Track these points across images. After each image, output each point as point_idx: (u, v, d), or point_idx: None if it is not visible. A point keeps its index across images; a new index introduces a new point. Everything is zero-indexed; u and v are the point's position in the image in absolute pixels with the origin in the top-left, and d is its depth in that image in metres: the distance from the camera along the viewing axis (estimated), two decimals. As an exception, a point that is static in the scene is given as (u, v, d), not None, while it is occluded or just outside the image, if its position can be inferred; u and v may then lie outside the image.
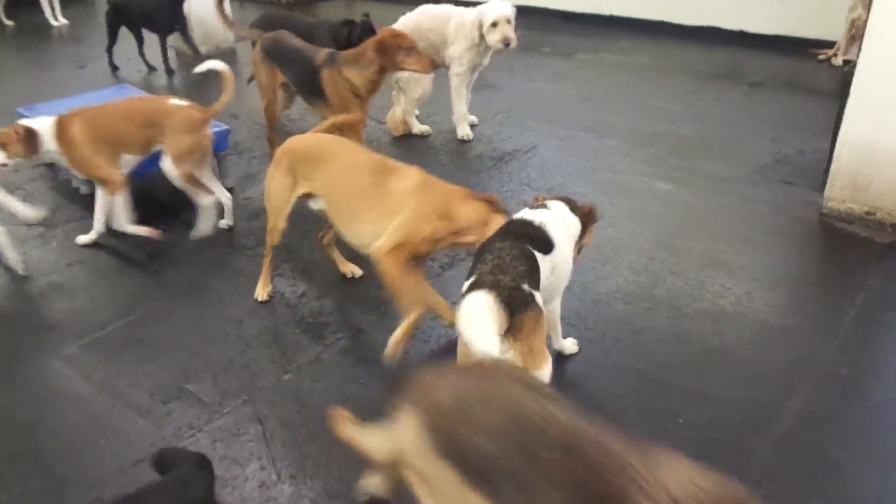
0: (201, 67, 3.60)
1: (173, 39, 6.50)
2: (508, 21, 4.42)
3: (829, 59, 6.50)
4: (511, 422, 1.46)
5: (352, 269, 3.30)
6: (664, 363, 2.76)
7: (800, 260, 3.62)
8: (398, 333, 2.65)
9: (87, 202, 4.09)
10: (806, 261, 3.63)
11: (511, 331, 1.98)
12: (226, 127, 4.18)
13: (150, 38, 6.40)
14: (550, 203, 2.47)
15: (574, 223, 2.47)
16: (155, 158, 3.55)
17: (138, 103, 3.63)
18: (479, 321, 1.91)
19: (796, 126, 5.00)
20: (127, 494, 1.74)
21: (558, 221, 2.38)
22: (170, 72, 6.42)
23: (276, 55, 4.08)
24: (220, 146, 4.13)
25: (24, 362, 2.87)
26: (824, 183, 3.94)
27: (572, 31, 7.66)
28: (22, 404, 2.64)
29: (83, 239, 3.66)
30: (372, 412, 2.47)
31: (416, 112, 5.00)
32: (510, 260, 2.13)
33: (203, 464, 1.96)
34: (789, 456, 2.33)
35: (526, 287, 2.07)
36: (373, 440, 1.78)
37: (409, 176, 2.63)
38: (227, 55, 6.91)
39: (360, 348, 2.88)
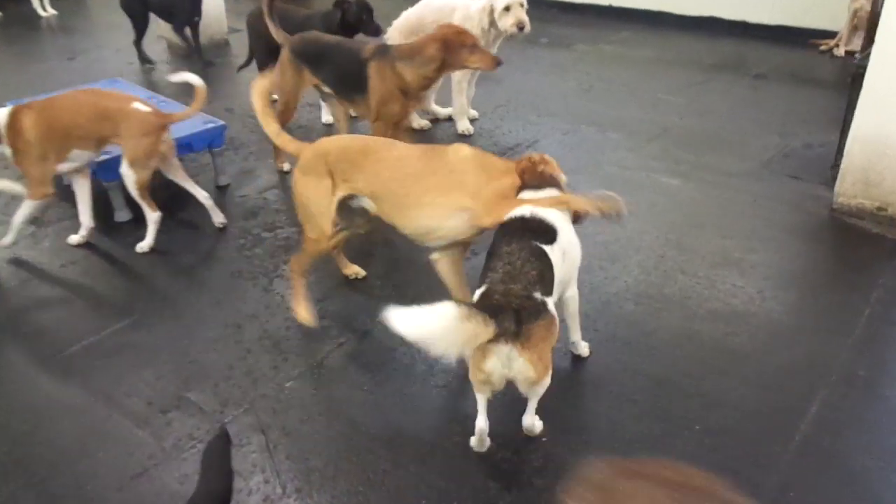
0: (176, 77, 3.50)
1: (163, 31, 6.35)
2: (521, 4, 4.31)
3: (830, 50, 6.43)
4: None
5: (355, 271, 3.21)
6: (677, 366, 2.69)
7: (811, 257, 3.55)
8: None
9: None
10: (818, 258, 3.56)
11: (520, 339, 1.99)
12: (221, 122, 4.07)
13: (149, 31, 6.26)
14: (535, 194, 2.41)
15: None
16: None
17: (96, 98, 3.45)
18: (434, 323, 1.87)
19: (802, 119, 4.93)
20: None
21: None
22: (208, 64, 6.12)
23: (307, 55, 3.82)
24: (216, 142, 4.03)
25: (15, 370, 2.78)
26: (833, 178, 3.87)
27: (570, 21, 7.55)
28: (14, 415, 2.54)
29: (75, 239, 3.55)
30: (378, 420, 2.44)
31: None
32: (521, 265, 2.11)
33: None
34: (810, 464, 2.26)
35: (538, 295, 2.06)
36: None
37: (458, 149, 2.59)
38: (221, 46, 6.79)
39: (365, 353, 2.80)
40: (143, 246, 3.47)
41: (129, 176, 3.34)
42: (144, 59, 6.30)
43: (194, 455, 2.32)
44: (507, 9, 4.28)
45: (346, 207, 2.70)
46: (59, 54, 6.84)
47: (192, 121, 4.02)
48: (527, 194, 2.41)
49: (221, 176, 4.13)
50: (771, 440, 2.34)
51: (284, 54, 3.87)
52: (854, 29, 6.23)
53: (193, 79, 3.43)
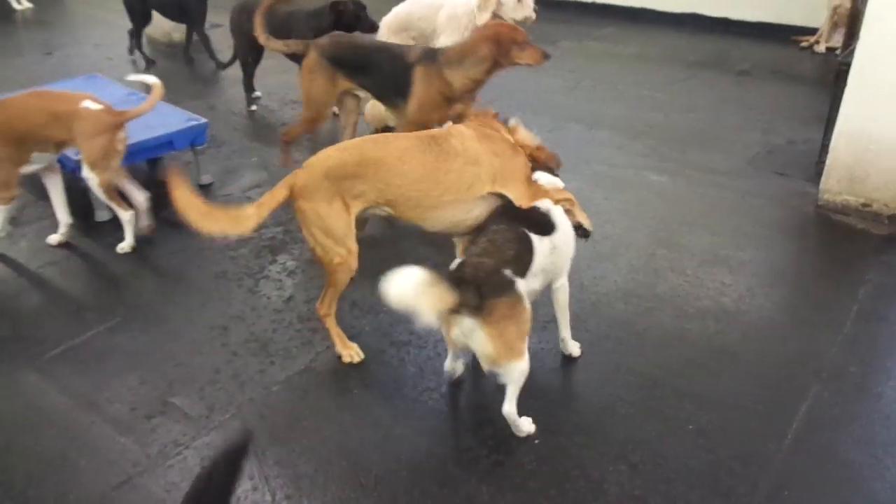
0: (133, 77, 3.38)
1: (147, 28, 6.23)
2: None
3: (811, 47, 6.49)
4: None
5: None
6: (669, 365, 2.68)
7: (799, 254, 3.57)
8: None
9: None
10: (805, 255, 3.58)
11: (482, 312, 2.08)
12: (204, 120, 3.98)
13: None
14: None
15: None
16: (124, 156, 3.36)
17: (45, 101, 3.29)
18: (402, 285, 1.94)
19: (785, 115, 4.96)
20: None
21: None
22: (221, 66, 5.85)
23: (343, 59, 3.58)
24: (198, 140, 3.95)
25: (-7, 375, 2.70)
26: (817, 174, 3.89)
27: (553, 17, 7.48)
28: (-8, 422, 2.47)
29: (54, 238, 3.47)
30: (368, 425, 2.39)
31: None
32: (501, 243, 2.24)
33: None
34: (805, 461, 2.26)
35: (507, 273, 2.15)
36: None
37: (461, 133, 2.53)
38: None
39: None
40: (124, 246, 3.40)
41: (92, 178, 3.24)
42: (145, 58, 6.16)
43: (180, 462, 2.27)
44: (519, 1, 4.28)
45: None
46: (36, 49, 6.69)
47: (174, 118, 3.96)
48: (544, 178, 2.54)
49: (204, 175, 4.05)
50: (765, 438, 2.33)
51: (312, 58, 3.59)
52: (834, 26, 6.29)
53: (150, 79, 3.32)
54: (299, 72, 3.75)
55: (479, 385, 2.57)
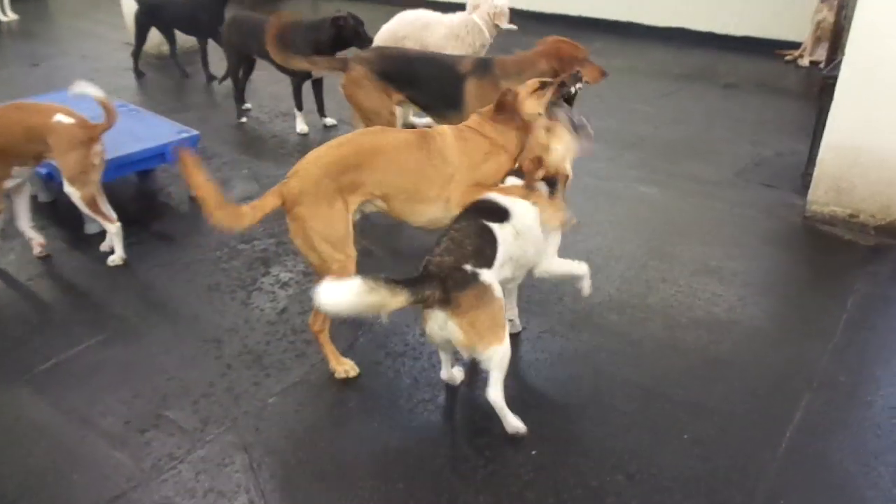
0: (75, 89, 3.24)
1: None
2: None
3: (795, 61, 6.59)
4: None
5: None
6: (664, 375, 2.69)
7: (788, 264, 3.60)
8: None
9: (47, 210, 3.88)
10: (794, 265, 3.61)
11: (450, 305, 2.17)
12: (195, 132, 3.98)
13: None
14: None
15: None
16: (114, 168, 3.35)
17: (20, 115, 3.23)
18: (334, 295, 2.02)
19: (772, 128, 5.03)
20: None
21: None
22: (210, 78, 5.96)
23: (393, 71, 3.53)
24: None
25: (-17, 390, 2.66)
26: (804, 185, 3.94)
27: (541, 32, 7.49)
28: (-18, 437, 2.44)
29: (38, 251, 3.44)
30: (363, 436, 2.38)
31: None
32: (461, 239, 2.31)
33: None
34: (798, 470, 2.27)
35: (468, 267, 2.23)
36: None
37: (443, 134, 2.60)
38: (193, 54, 6.63)
39: (348, 366, 2.74)
40: (115, 259, 3.37)
41: (73, 193, 3.22)
42: (138, 71, 6.19)
43: (175, 476, 2.24)
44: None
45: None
46: (22, 60, 6.66)
47: (165, 130, 3.96)
48: (510, 181, 2.56)
49: (195, 186, 4.03)
50: (759, 447, 2.35)
51: (359, 72, 3.52)
52: (818, 40, 6.40)
53: (92, 90, 3.23)
54: (342, 85, 3.64)
55: (474, 396, 2.57)
